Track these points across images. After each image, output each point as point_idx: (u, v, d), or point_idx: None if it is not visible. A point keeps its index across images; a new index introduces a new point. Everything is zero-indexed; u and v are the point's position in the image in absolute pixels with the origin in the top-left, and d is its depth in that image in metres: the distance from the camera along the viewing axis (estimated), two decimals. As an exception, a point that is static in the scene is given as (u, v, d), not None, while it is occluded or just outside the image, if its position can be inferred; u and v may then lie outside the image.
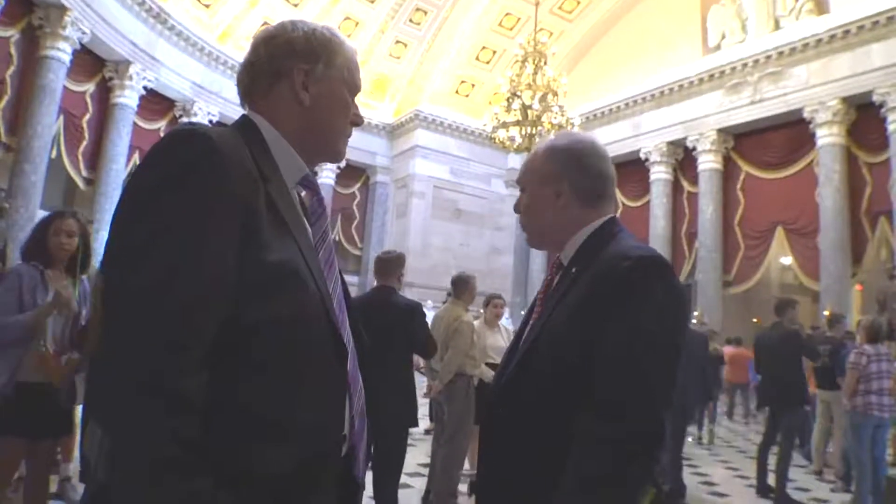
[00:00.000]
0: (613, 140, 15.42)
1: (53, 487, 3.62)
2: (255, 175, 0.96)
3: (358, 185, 18.93)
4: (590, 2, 16.71)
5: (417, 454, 5.57)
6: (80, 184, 12.27)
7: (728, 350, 10.88)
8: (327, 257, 1.09)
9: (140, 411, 0.81)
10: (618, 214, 1.45)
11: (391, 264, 4.07)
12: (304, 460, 0.93)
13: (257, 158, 0.99)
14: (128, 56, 12.30)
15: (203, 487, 0.82)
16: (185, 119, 13.92)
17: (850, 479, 5.55)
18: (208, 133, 0.93)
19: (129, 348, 0.83)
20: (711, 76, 13.87)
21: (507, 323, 6.75)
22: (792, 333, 5.62)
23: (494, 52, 17.60)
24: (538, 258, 17.00)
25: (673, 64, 14.67)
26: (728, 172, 13.92)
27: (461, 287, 4.82)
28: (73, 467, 3.90)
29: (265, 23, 13.84)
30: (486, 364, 4.92)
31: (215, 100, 14.53)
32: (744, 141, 13.75)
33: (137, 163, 9.73)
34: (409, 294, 8.37)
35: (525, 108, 11.15)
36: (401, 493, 3.98)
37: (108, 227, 0.98)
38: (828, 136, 11.75)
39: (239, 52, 13.69)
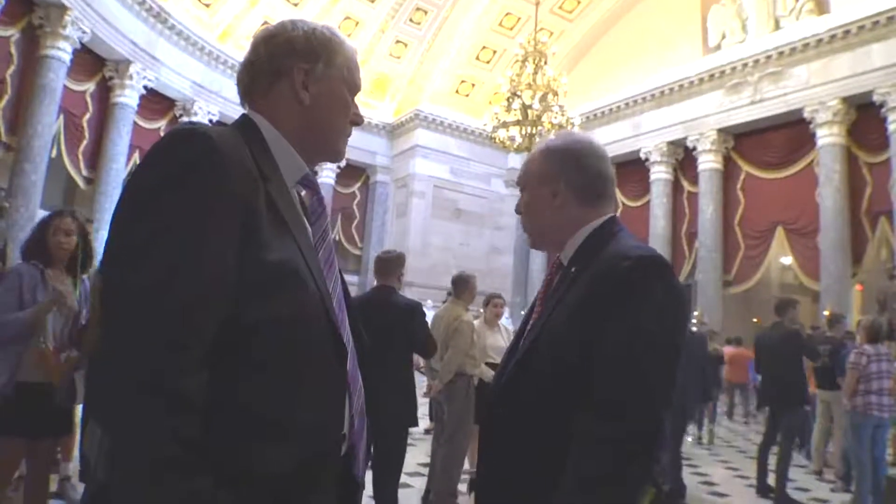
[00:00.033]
0: (613, 140, 15.42)
1: (53, 487, 3.62)
2: (255, 174, 0.96)
3: (358, 184, 18.93)
4: (590, 1, 16.70)
5: (417, 454, 5.57)
6: (81, 183, 12.27)
7: (728, 350, 10.88)
8: (327, 257, 1.09)
9: (140, 410, 0.81)
10: (618, 214, 1.45)
11: (391, 264, 4.07)
12: (304, 460, 0.93)
13: (257, 158, 0.99)
14: (128, 55, 12.30)
15: (203, 487, 0.82)
16: (185, 118, 13.91)
17: (850, 479, 5.56)
18: (208, 132, 0.93)
19: (129, 347, 0.83)
20: (711, 76, 13.86)
21: (507, 323, 6.74)
22: (792, 333, 5.62)
23: (495, 52, 17.59)
24: (538, 258, 16.99)
25: (673, 64, 14.66)
26: (728, 172, 13.91)
27: (461, 287, 4.82)
28: (73, 466, 3.90)
29: (265, 22, 13.83)
30: (486, 364, 4.93)
31: (215, 99, 14.53)
32: (744, 141, 13.74)
33: (137, 162, 9.75)
34: (409, 294, 8.38)
35: (525, 108, 11.14)
36: (401, 492, 3.99)
37: (108, 227, 0.98)
38: (828, 136, 11.74)
39: (239, 51, 13.68)
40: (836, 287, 11.25)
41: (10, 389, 2.65)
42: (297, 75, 1.07)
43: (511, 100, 11.29)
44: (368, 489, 3.64)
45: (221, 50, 14.40)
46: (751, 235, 13.32)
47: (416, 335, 3.94)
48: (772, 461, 5.50)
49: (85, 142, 12.16)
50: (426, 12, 16.78)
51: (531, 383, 1.26)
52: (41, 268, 2.84)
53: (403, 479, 4.15)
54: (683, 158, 14.88)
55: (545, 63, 11.48)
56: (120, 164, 12.42)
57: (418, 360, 5.14)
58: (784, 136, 12.94)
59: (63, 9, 10.46)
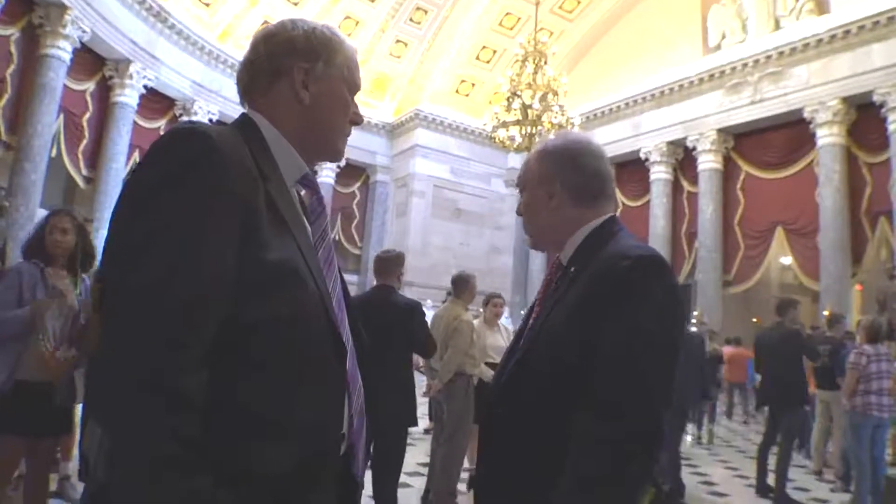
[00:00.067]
0: (613, 140, 15.42)
1: (53, 486, 3.62)
2: (254, 174, 0.96)
3: (358, 184, 18.93)
4: (590, 1, 16.70)
5: (417, 453, 5.57)
6: (80, 182, 12.27)
7: (727, 350, 10.88)
8: (327, 256, 1.09)
9: (140, 409, 0.81)
10: (618, 214, 1.45)
11: (391, 263, 4.07)
12: (304, 459, 0.93)
13: (257, 157, 0.99)
14: (128, 55, 12.30)
15: (203, 486, 0.82)
16: (185, 118, 13.91)
17: (850, 478, 5.56)
18: (208, 131, 0.93)
19: (129, 346, 0.83)
20: (711, 76, 13.86)
21: (507, 322, 6.75)
22: (793, 333, 5.62)
23: (495, 52, 17.59)
24: (538, 258, 16.99)
25: (673, 64, 14.66)
26: (728, 172, 13.91)
27: (461, 286, 4.82)
28: (73, 466, 3.89)
29: (265, 22, 13.82)
30: (486, 363, 4.93)
31: (215, 99, 14.53)
32: (744, 141, 13.74)
33: (137, 162, 9.75)
34: (408, 293, 8.37)
35: (525, 108, 11.14)
36: (400, 492, 3.98)
37: (107, 226, 0.98)
38: (828, 136, 11.75)
39: (239, 50, 13.67)
40: (836, 287, 11.25)
41: (8, 387, 2.66)
42: (297, 74, 1.07)
43: (511, 99, 11.29)
44: (368, 489, 3.64)
45: (221, 49, 14.39)
46: (750, 235, 13.32)
47: (415, 335, 3.94)
48: (771, 461, 5.50)
49: (85, 141, 12.16)
50: (426, 12, 16.77)
51: (530, 383, 1.26)
52: (41, 266, 2.85)
53: (403, 478, 4.15)
54: (683, 158, 14.89)
55: (545, 63, 11.48)
56: (120, 163, 12.42)
57: (418, 359, 5.14)
58: (784, 136, 12.94)
59: (63, 8, 10.45)
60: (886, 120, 10.92)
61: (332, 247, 1.13)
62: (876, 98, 11.07)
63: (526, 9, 15.54)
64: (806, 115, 12.07)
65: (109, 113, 12.46)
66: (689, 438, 8.35)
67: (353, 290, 1.47)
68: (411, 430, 4.33)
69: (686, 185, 14.87)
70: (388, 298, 3.94)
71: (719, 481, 6.16)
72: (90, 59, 12.01)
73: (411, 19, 16.89)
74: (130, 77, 12.43)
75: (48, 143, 10.75)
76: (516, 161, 17.32)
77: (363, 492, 1.17)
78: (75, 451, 3.79)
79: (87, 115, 12.16)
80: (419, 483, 4.92)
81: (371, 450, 1.19)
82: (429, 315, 4.48)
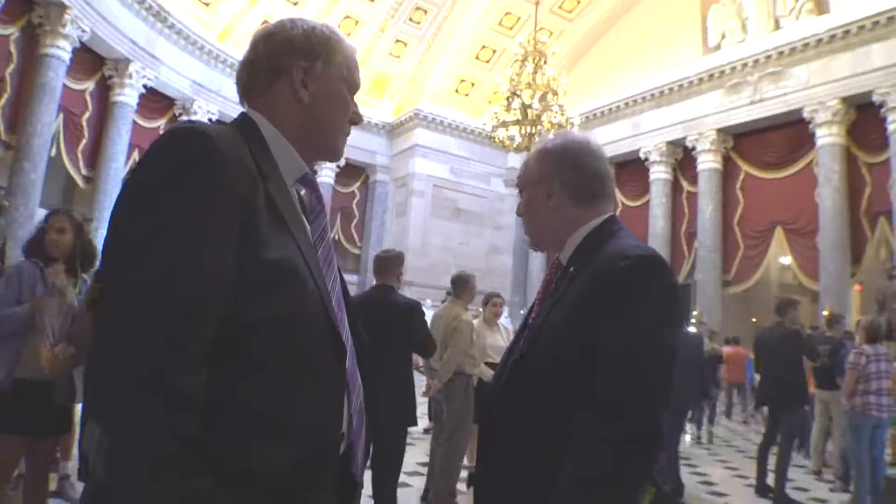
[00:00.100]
0: (613, 140, 15.42)
1: (53, 485, 3.62)
2: (254, 173, 0.95)
3: (357, 183, 18.92)
4: (590, 1, 16.70)
5: (416, 453, 5.57)
6: (80, 182, 12.27)
7: (725, 349, 10.89)
8: (326, 255, 1.09)
9: (140, 409, 0.81)
10: (617, 214, 1.45)
11: (390, 263, 4.07)
12: (303, 458, 0.93)
13: (256, 156, 0.98)
14: (127, 54, 12.29)
15: (202, 485, 0.82)
16: (184, 117, 13.90)
17: (849, 478, 5.56)
18: (207, 131, 0.93)
19: (128, 346, 0.83)
20: (711, 76, 13.86)
21: (507, 322, 6.75)
22: (793, 333, 5.63)
23: (494, 52, 17.59)
24: (537, 258, 17.00)
25: (673, 64, 14.66)
26: (727, 172, 13.92)
27: (461, 286, 4.82)
28: (73, 465, 3.89)
29: (265, 21, 13.81)
30: (486, 363, 4.93)
31: (215, 98, 14.52)
32: (743, 141, 13.75)
33: (137, 161, 9.74)
34: (408, 293, 8.37)
35: (525, 108, 11.14)
36: (399, 491, 3.98)
37: (107, 225, 0.98)
38: (827, 136, 11.75)
39: (239, 50, 13.66)
40: (836, 287, 11.26)
41: (7, 386, 2.66)
42: (297, 74, 1.07)
43: (511, 99, 11.29)
44: (367, 488, 3.64)
45: (221, 49, 14.39)
46: (750, 235, 13.32)
47: (415, 334, 3.94)
48: (771, 461, 5.50)
49: (84, 140, 12.15)
50: (426, 11, 16.77)
51: (530, 383, 1.26)
52: (41, 265, 2.86)
53: (402, 478, 4.14)
54: (683, 158, 14.89)
55: (545, 62, 11.48)
56: (119, 162, 12.42)
57: (417, 359, 5.15)
58: (783, 136, 12.94)
59: (63, 7, 10.45)
60: (886, 120, 10.92)
61: (331, 246, 1.13)
62: (875, 98, 11.08)
63: (526, 8, 15.54)
64: (805, 115, 12.07)
65: (109, 112, 12.45)
66: (688, 438, 8.36)
67: (352, 290, 1.47)
68: (411, 429, 4.33)
69: (686, 185, 14.88)
70: (387, 298, 3.94)
71: (719, 481, 6.16)
72: (90, 59, 12.00)
73: (411, 19, 16.89)
74: (130, 77, 12.43)
75: (48, 143, 10.74)
76: (516, 161, 17.32)
77: (362, 491, 1.17)
78: (75, 451, 3.79)
79: (87, 115, 12.15)
80: (419, 483, 4.92)
81: (370, 449, 1.19)
82: (428, 315, 4.48)
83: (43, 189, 10.70)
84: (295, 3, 15.12)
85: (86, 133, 12.15)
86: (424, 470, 4.95)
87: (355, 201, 18.82)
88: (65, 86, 11.08)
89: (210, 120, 13.35)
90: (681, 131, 14.58)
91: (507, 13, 16.76)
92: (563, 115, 11.21)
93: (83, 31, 11.02)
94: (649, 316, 1.16)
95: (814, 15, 12.21)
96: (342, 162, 16.26)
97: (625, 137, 15.73)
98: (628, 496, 1.12)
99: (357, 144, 17.16)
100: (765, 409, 6.03)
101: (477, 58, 17.70)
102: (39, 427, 2.76)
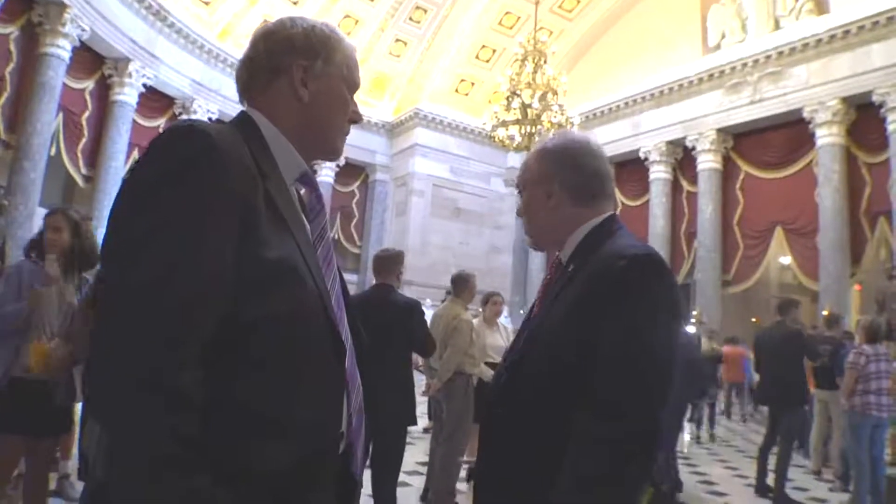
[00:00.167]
0: (613, 139, 15.42)
1: (52, 485, 3.62)
2: (253, 171, 0.95)
3: (357, 183, 18.91)
4: (590, 1, 16.69)
5: (416, 452, 5.57)
6: (80, 181, 12.26)
7: (725, 349, 10.88)
8: (326, 254, 1.09)
9: (139, 408, 0.81)
10: (617, 213, 1.45)
11: (390, 262, 4.07)
12: (303, 457, 0.93)
13: (256, 155, 0.98)
14: (127, 53, 12.29)
15: (202, 485, 0.82)
16: (184, 116, 13.89)
17: (849, 478, 5.57)
18: (207, 129, 0.92)
19: (128, 345, 0.82)
20: (711, 76, 13.86)
21: (507, 322, 6.75)
22: (794, 333, 5.63)
23: (494, 51, 17.58)
24: (537, 257, 16.99)
25: (673, 63, 14.65)
26: (727, 172, 13.91)
27: (461, 286, 4.82)
28: (72, 465, 3.89)
29: (265, 20, 13.62)
30: (486, 363, 4.93)
31: (215, 97, 14.52)
32: (743, 141, 13.74)
33: (137, 159, 9.69)
34: (408, 292, 8.37)
35: (525, 107, 11.14)
36: (399, 491, 3.98)
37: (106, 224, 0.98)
38: (827, 136, 11.74)
39: (238, 49, 13.66)
40: (835, 287, 11.26)
41: (4, 384, 2.66)
42: (296, 72, 1.07)
43: (510, 99, 11.28)
44: (367, 488, 3.64)
45: (221, 48, 14.38)
46: (750, 235, 13.32)
47: (414, 334, 3.94)
48: (771, 461, 5.50)
49: (84, 140, 12.15)
50: (426, 11, 16.76)
51: (529, 382, 1.26)
52: (41, 264, 2.87)
53: (402, 477, 4.15)
54: (683, 158, 14.89)
55: (545, 62, 11.47)
56: (119, 162, 12.41)
57: (417, 358, 5.14)
58: (783, 135, 12.94)
59: (62, 6, 10.44)
60: (886, 120, 10.92)
61: (330, 245, 1.13)
62: (875, 98, 11.07)
63: (525, 8, 15.53)
64: (805, 114, 12.07)
65: (109, 111, 12.45)
66: (688, 438, 8.36)
67: (352, 290, 1.47)
68: (410, 428, 4.33)
69: (685, 185, 14.87)
70: (387, 297, 3.94)
71: (718, 480, 6.16)
72: (89, 58, 12.00)
73: (411, 18, 16.88)
74: (130, 76, 12.42)
75: (47, 142, 10.73)
76: (516, 160, 17.32)
77: (362, 490, 1.17)
78: (75, 450, 3.79)
79: (87, 114, 12.14)
80: (418, 482, 4.92)
81: (370, 448, 1.19)
82: (428, 314, 4.47)
83: (43, 188, 10.69)
84: (295, 3, 15.12)
85: (85, 132, 12.14)
86: (424, 469, 4.95)
87: (355, 200, 18.81)
88: (64, 85, 11.07)
89: (210, 119, 13.35)
90: (680, 131, 14.57)
91: (506, 13, 16.75)
92: (562, 114, 11.20)
93: (83, 30, 11.01)
94: (647, 315, 1.16)
95: (814, 15, 12.21)
96: (342, 161, 16.27)
97: (624, 137, 15.73)
98: (627, 496, 1.12)
99: (357, 144, 17.15)
100: (764, 407, 6.02)
101: (477, 57, 17.70)
102: (39, 427, 2.76)
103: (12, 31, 10.23)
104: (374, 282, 4.20)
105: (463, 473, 4.75)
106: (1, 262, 5.38)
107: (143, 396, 0.81)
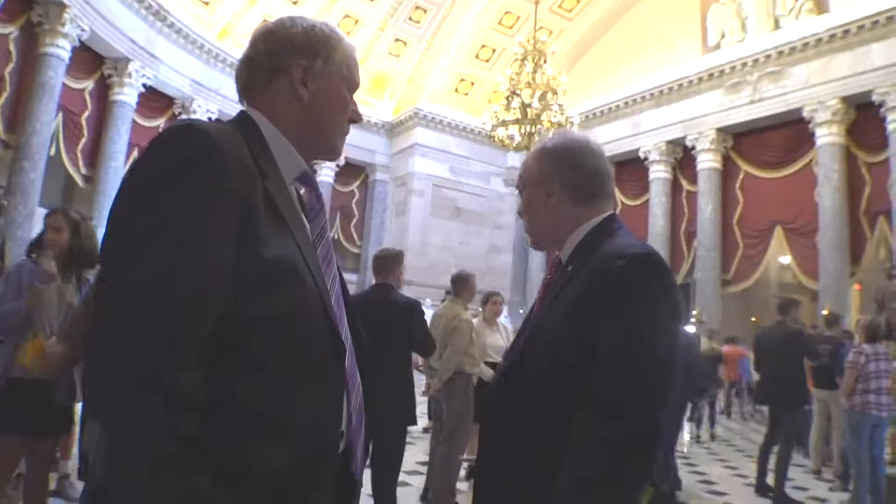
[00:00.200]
0: (613, 139, 15.42)
1: (52, 485, 3.62)
2: (253, 171, 0.95)
3: (357, 183, 18.91)
4: (589, 1, 16.69)
5: (416, 452, 5.57)
6: (79, 181, 12.26)
7: (724, 348, 10.89)
8: (325, 254, 1.09)
9: (139, 408, 0.81)
10: (617, 213, 1.45)
11: (389, 261, 4.06)
12: (303, 457, 0.93)
13: (256, 154, 0.98)
14: (127, 53, 12.28)
15: (202, 485, 0.82)
16: (184, 116, 13.88)
17: (849, 477, 5.57)
18: (206, 129, 0.92)
19: (127, 345, 0.82)
20: (711, 75, 13.86)
21: (506, 321, 6.75)
22: (795, 333, 5.63)
23: (494, 51, 17.58)
24: (537, 257, 17.00)
25: (672, 63, 14.65)
26: (727, 172, 13.91)
27: (461, 285, 4.82)
28: (72, 464, 3.89)
29: (264, 20, 13.55)
30: (486, 363, 4.93)
31: (214, 97, 14.51)
32: (743, 140, 13.74)
33: (136, 159, 9.69)
34: (407, 292, 8.34)
35: (524, 107, 11.14)
36: (399, 490, 3.98)
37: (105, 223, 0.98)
38: (827, 136, 11.75)
39: (238, 49, 13.62)
40: (835, 286, 11.26)
41: (3, 383, 2.66)
42: (296, 72, 1.07)
43: (510, 98, 11.28)
44: (367, 487, 3.64)
45: (220, 48, 14.38)
46: (749, 235, 13.32)
47: (414, 333, 3.94)
48: (771, 461, 5.50)
49: (84, 140, 12.14)
50: (426, 11, 16.76)
51: (529, 382, 1.26)
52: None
53: (402, 477, 4.15)
54: (682, 157, 14.89)
55: (544, 62, 11.47)
56: (119, 162, 12.40)
57: (417, 358, 5.14)
58: (783, 135, 12.94)
59: (62, 6, 10.43)
60: (885, 119, 10.92)
61: (330, 245, 1.13)
62: (875, 98, 11.07)
63: (525, 7, 15.53)
64: (805, 114, 12.07)
65: (108, 111, 12.44)
66: (688, 437, 8.36)
67: (352, 289, 1.47)
68: (410, 428, 4.33)
69: (685, 185, 14.88)
70: (387, 297, 3.94)
71: (718, 480, 6.16)
72: (89, 58, 11.99)
73: (410, 18, 16.88)
74: (129, 76, 12.42)
75: (47, 142, 10.73)
76: (515, 160, 17.31)
77: (362, 490, 1.17)
78: (75, 450, 3.79)
79: (86, 114, 12.14)
80: (418, 482, 4.92)
81: (370, 448, 1.19)
82: (428, 314, 4.47)
83: (42, 188, 10.69)
84: (294, 2, 15.11)
85: (85, 132, 12.14)
86: (424, 469, 4.95)
87: (355, 200, 18.81)
88: (64, 85, 11.06)
89: (210, 119, 13.33)
90: (680, 131, 14.57)
91: (506, 12, 16.75)
92: (562, 114, 11.20)
93: (82, 29, 11.00)
94: (647, 315, 1.16)
95: (813, 14, 12.21)
96: (342, 161, 16.27)
97: (624, 137, 15.73)
98: (627, 496, 1.12)
99: (356, 143, 17.15)
100: (764, 407, 6.02)
101: (477, 57, 17.70)
102: (39, 427, 2.76)
103: (12, 31, 10.22)
104: (373, 282, 4.20)
105: (463, 472, 4.75)
106: (1, 261, 5.37)
107: (143, 396, 0.81)
